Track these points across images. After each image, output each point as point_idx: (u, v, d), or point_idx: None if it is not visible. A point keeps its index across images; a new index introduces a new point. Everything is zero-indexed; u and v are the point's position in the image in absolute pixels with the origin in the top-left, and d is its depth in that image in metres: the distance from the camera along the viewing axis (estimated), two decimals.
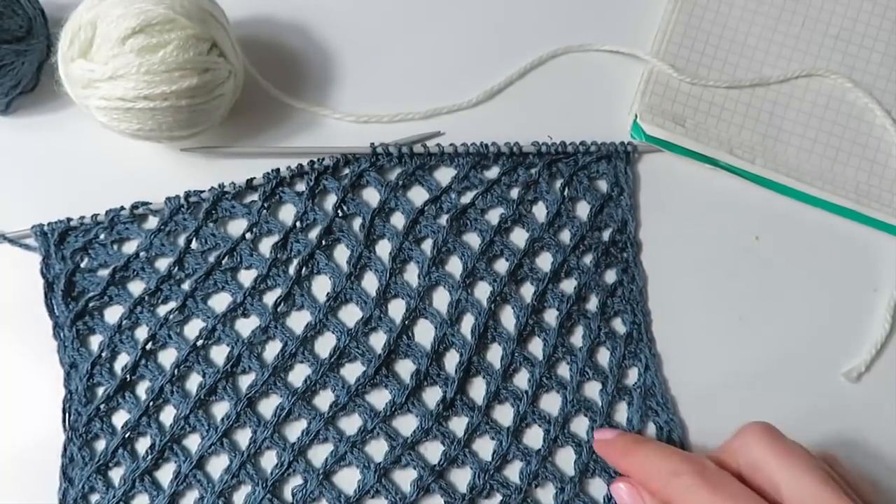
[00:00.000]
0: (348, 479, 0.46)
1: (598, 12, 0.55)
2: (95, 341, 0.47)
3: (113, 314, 0.48)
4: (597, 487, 0.47)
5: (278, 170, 0.49)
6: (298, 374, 0.47)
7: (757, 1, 0.54)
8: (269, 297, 0.48)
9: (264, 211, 0.49)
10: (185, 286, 0.48)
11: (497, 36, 0.54)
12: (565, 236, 0.50)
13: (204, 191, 0.49)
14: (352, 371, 0.47)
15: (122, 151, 0.50)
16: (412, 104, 0.52)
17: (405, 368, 0.48)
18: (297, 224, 0.49)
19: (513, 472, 0.47)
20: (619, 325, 0.49)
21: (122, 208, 0.48)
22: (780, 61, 0.54)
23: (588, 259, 0.50)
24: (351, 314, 0.48)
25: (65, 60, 0.44)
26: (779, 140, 0.52)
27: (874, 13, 0.54)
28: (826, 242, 0.52)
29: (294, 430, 0.47)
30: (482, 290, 0.49)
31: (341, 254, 0.49)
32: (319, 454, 0.46)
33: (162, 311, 0.48)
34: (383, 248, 0.49)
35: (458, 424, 0.47)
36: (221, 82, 0.46)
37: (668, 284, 0.51)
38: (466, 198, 0.51)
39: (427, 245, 0.50)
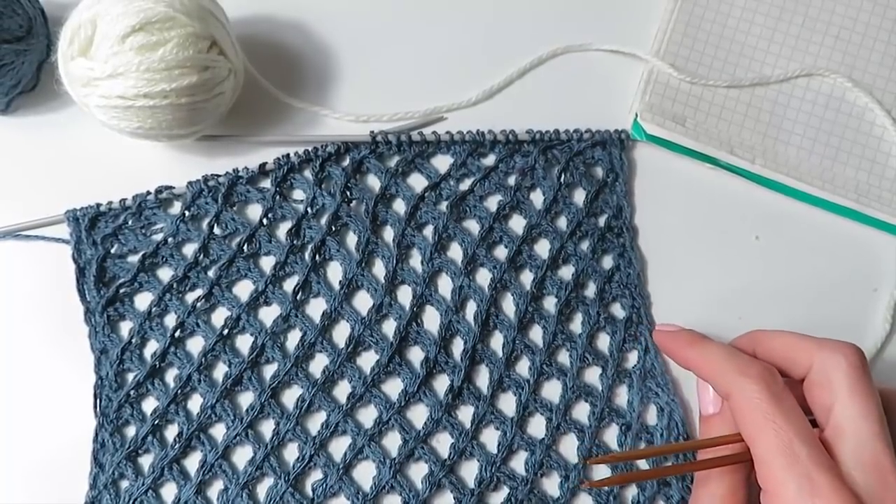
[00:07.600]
0: (365, 474, 0.46)
1: (598, 12, 0.55)
2: (125, 327, 0.48)
3: (142, 300, 0.48)
4: (600, 473, 0.47)
5: (288, 155, 0.50)
6: (318, 364, 0.48)
7: (757, 1, 0.54)
8: (288, 285, 0.49)
9: (278, 196, 0.49)
10: (211, 273, 0.48)
11: (497, 35, 0.54)
12: (562, 223, 0.51)
13: (220, 175, 0.49)
14: (367, 360, 0.48)
15: (123, 151, 0.50)
16: (412, 103, 0.52)
17: (415, 356, 0.48)
18: (308, 210, 0.49)
19: (518, 463, 0.47)
20: (617, 310, 0.50)
21: (149, 193, 0.49)
22: (780, 61, 0.54)
23: (585, 245, 0.50)
24: (363, 301, 0.49)
25: (65, 59, 0.45)
26: (779, 140, 0.52)
27: (874, 13, 0.54)
28: (826, 242, 0.52)
29: (315, 422, 0.47)
30: (483, 277, 0.49)
31: (351, 240, 0.50)
32: (339, 447, 0.46)
33: (189, 298, 0.48)
34: (387, 235, 0.50)
35: (465, 414, 0.47)
36: (221, 80, 0.46)
37: (666, 270, 0.51)
38: (465, 185, 0.51)
39: (428, 231, 0.50)
